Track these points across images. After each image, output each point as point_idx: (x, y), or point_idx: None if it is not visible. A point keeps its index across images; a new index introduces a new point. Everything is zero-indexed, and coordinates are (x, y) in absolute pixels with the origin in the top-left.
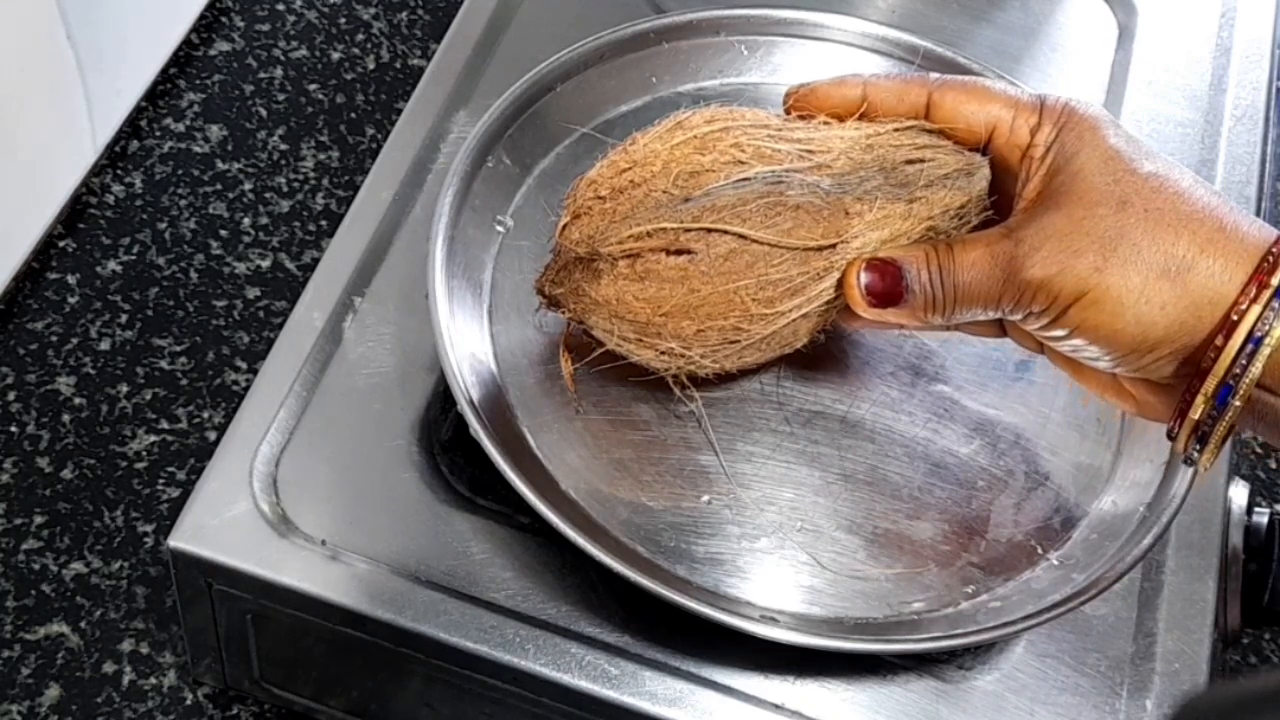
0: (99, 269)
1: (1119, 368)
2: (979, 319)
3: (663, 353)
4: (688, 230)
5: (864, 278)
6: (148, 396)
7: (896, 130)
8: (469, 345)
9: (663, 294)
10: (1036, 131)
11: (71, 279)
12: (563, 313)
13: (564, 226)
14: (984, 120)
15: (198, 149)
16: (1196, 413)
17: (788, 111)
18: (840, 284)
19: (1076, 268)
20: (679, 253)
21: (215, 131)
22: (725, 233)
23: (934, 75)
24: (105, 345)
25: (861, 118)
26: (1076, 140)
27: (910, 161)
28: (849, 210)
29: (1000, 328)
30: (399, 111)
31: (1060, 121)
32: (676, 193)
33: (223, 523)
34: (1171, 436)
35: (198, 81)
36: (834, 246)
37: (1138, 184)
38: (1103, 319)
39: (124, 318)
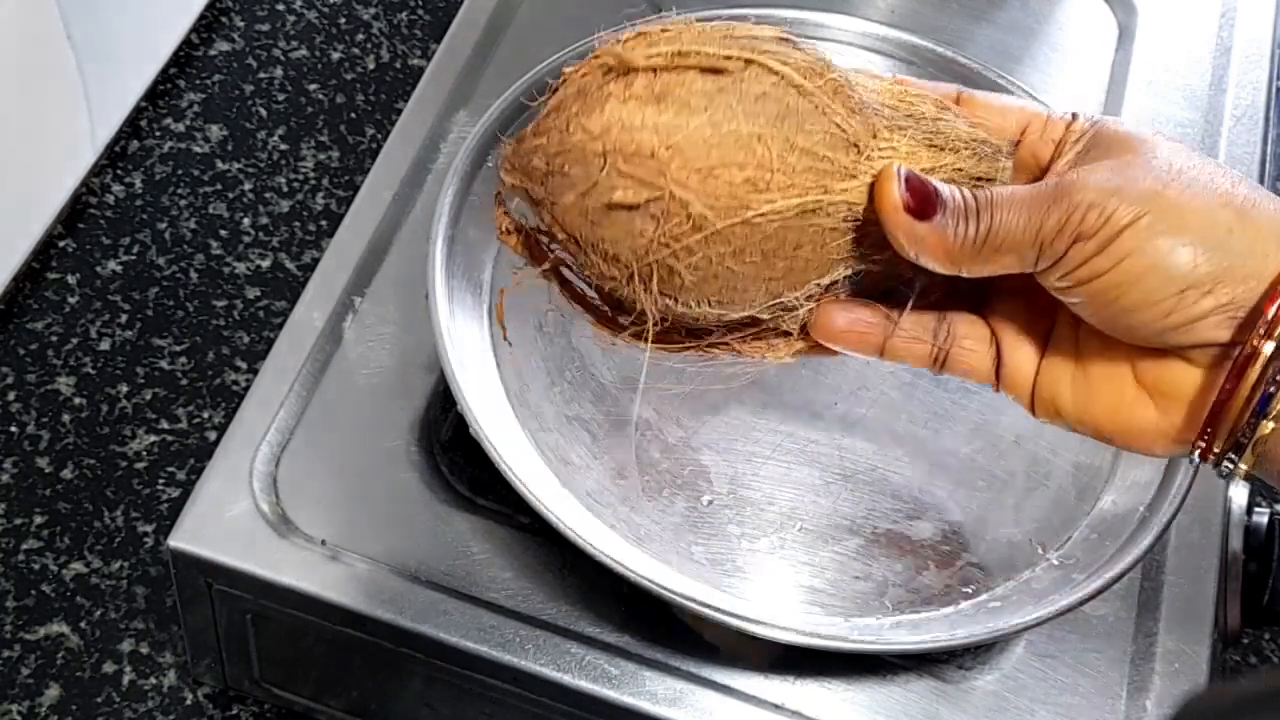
0: (99, 269)
1: (1162, 322)
2: (1011, 262)
3: (653, 215)
4: (728, 57)
5: (902, 176)
6: (148, 396)
7: (926, 95)
8: (469, 345)
9: (678, 121)
10: (1070, 127)
11: (71, 279)
12: (520, 184)
13: (578, 64)
14: (1016, 117)
15: (198, 149)
16: (1247, 387)
17: None
18: (870, 191)
19: (1135, 187)
20: (711, 72)
21: (215, 131)
22: (767, 69)
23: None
24: (105, 345)
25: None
26: (1114, 128)
27: (939, 119)
28: (878, 132)
29: (996, 356)
30: (399, 111)
31: (1095, 124)
32: (716, 33)
33: (223, 523)
34: (1204, 437)
35: (198, 81)
36: (860, 151)
37: (1182, 150)
38: (1160, 244)
39: (124, 318)
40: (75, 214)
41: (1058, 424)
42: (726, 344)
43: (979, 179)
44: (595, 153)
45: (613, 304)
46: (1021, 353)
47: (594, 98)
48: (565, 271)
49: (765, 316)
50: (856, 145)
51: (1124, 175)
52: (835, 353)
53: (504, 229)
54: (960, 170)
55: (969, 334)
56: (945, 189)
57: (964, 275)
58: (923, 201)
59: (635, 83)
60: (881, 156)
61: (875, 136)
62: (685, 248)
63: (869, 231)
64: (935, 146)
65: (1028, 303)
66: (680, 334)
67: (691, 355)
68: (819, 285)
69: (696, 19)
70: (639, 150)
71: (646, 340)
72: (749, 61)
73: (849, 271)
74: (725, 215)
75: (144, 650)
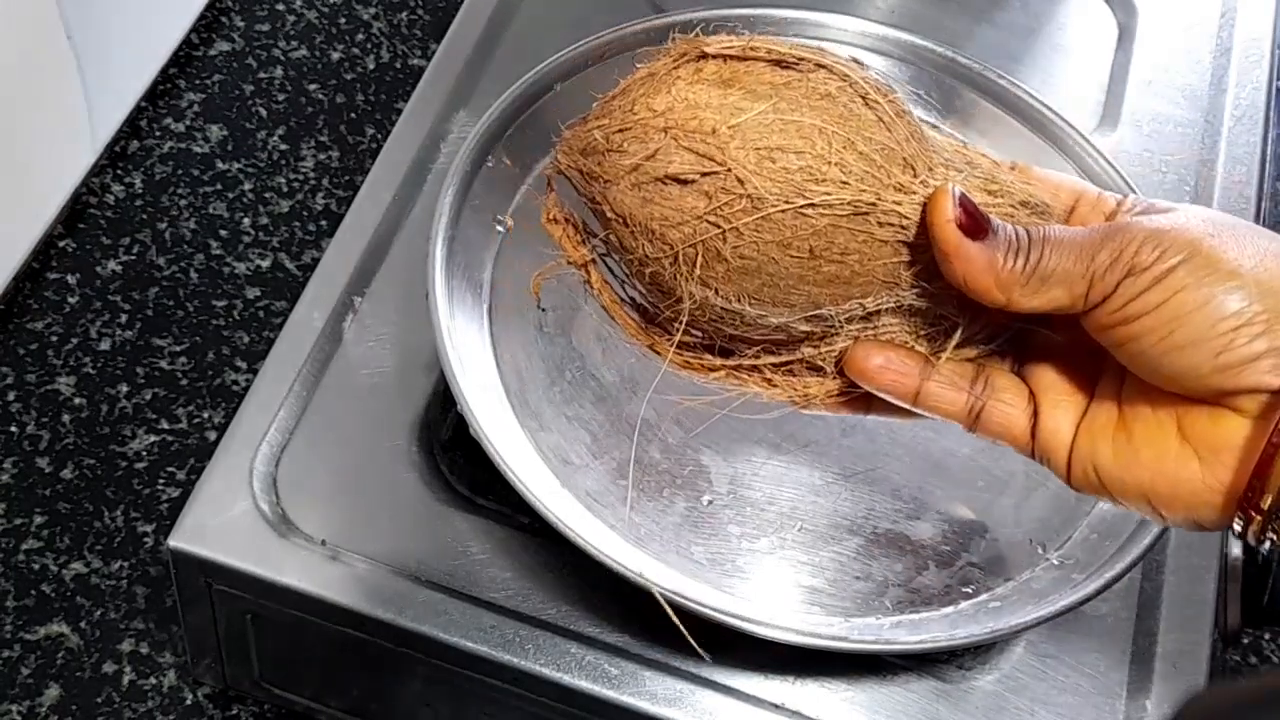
0: (99, 269)
1: (1212, 362)
2: (1060, 295)
3: (706, 192)
4: (799, 56)
5: (957, 195)
6: (148, 396)
7: (982, 154)
8: (469, 345)
9: (744, 104)
10: (1121, 204)
11: (71, 279)
12: (574, 165)
13: (653, 53)
14: (1070, 188)
15: (198, 149)
16: None
17: None
18: (924, 212)
19: (1190, 227)
20: (781, 65)
21: (215, 131)
22: (834, 74)
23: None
24: (105, 345)
25: None
26: (1164, 205)
27: (996, 170)
28: (934, 167)
29: (1033, 418)
30: (399, 111)
31: (1148, 203)
32: (789, 37)
33: (223, 523)
34: (1250, 490)
35: (198, 81)
36: (915, 174)
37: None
38: (1213, 281)
39: (124, 318)
40: (75, 214)
41: (1095, 492)
42: (759, 370)
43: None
44: (656, 128)
45: (648, 309)
46: (1060, 414)
47: (662, 80)
48: (604, 269)
49: (802, 329)
50: (913, 167)
51: (1175, 222)
52: (865, 408)
53: (550, 216)
54: (1012, 216)
55: (1008, 389)
56: (998, 221)
57: (1010, 309)
58: (975, 221)
59: (705, 68)
60: (936, 183)
61: (932, 170)
62: (734, 230)
63: (919, 258)
64: (990, 192)
65: (1069, 365)
66: (713, 352)
67: (720, 380)
68: (861, 306)
69: (696, 18)
70: (700, 127)
71: (682, 321)
72: (819, 64)
73: (893, 301)
74: (779, 199)
75: (144, 650)
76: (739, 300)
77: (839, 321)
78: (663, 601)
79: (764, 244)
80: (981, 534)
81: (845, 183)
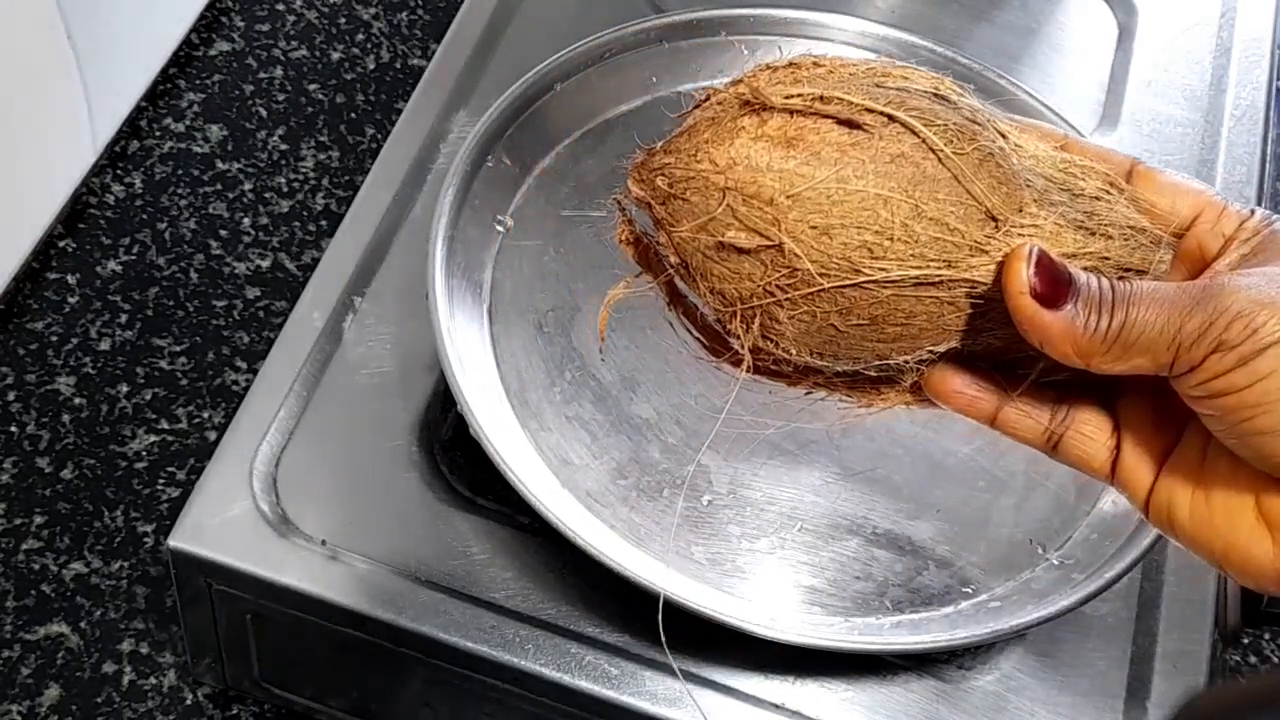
0: (99, 269)
1: None
2: (1143, 363)
3: (762, 262)
4: (871, 110)
5: (1033, 259)
6: (148, 396)
7: (1093, 169)
8: (469, 345)
9: (805, 170)
10: (1243, 224)
11: (71, 279)
12: (644, 197)
13: (724, 85)
14: (1191, 201)
15: (198, 149)
16: None
17: None
18: (998, 270)
19: None
20: (849, 125)
21: (215, 131)
22: (908, 129)
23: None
24: (105, 345)
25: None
26: None
27: (1099, 199)
28: (1024, 206)
29: (1115, 450)
30: (399, 111)
31: (1270, 221)
32: (866, 79)
33: (223, 523)
34: None
35: (198, 81)
36: (998, 226)
37: None
38: None
39: (124, 318)
40: (75, 214)
41: (1171, 537)
42: (833, 386)
43: (1128, 270)
44: (717, 186)
45: (722, 327)
46: (1143, 454)
47: (726, 129)
48: (679, 285)
49: (871, 374)
50: (995, 219)
51: None
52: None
53: (623, 238)
54: (1107, 259)
55: (1090, 420)
56: (1081, 276)
57: (1091, 370)
58: (1053, 286)
59: (770, 122)
60: (1021, 234)
61: (1020, 211)
62: (790, 300)
63: (994, 308)
64: (1085, 229)
65: (1160, 404)
66: (787, 365)
67: (791, 388)
68: (932, 353)
69: (696, 18)
70: (759, 194)
71: (743, 370)
72: (891, 118)
73: (969, 344)
74: (834, 277)
75: (144, 650)
76: (800, 353)
77: (910, 365)
78: (660, 615)
79: (821, 313)
80: (981, 534)
81: (911, 255)
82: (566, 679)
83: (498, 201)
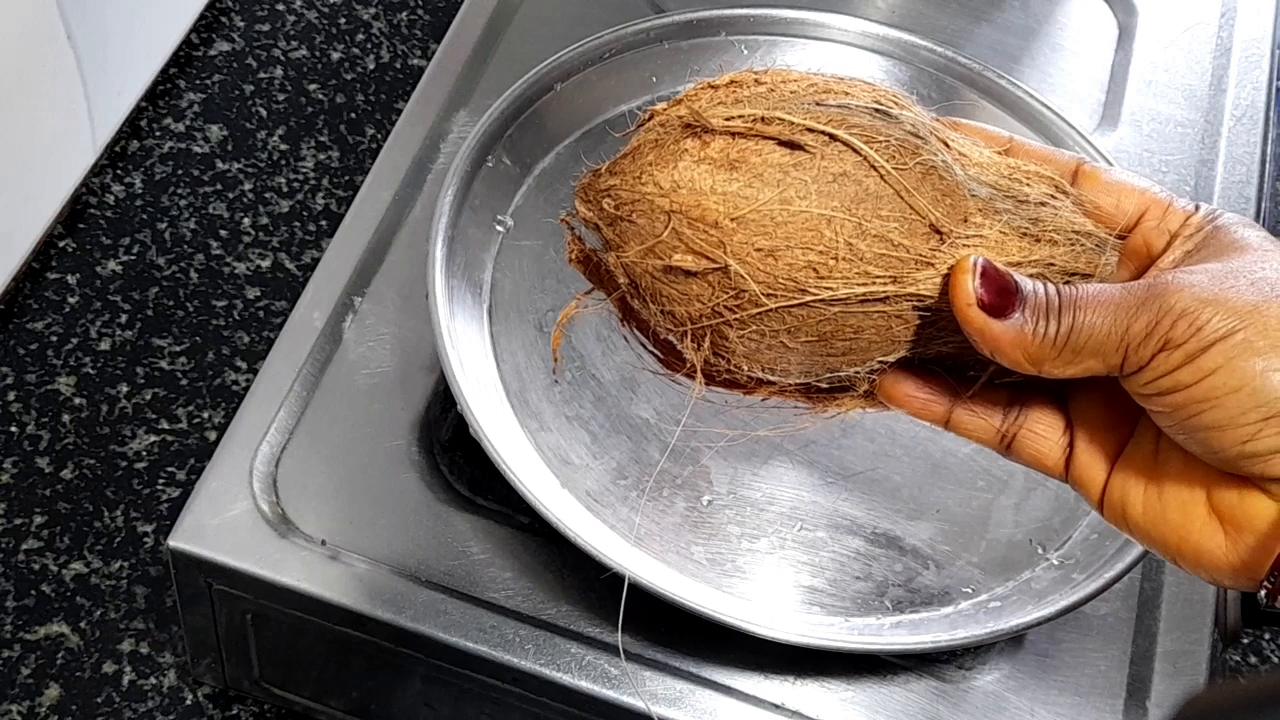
0: (99, 269)
1: (1239, 448)
2: (1094, 365)
3: (709, 283)
4: (812, 130)
5: (978, 270)
6: (148, 396)
7: (1039, 174)
8: (469, 345)
9: (748, 193)
10: (1189, 219)
11: (71, 279)
12: (591, 219)
13: (665, 106)
14: (1136, 200)
15: (198, 149)
16: None
17: None
18: (944, 282)
19: (1233, 299)
20: (791, 146)
21: (215, 131)
22: (850, 148)
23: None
24: (105, 345)
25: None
26: (1231, 228)
27: (1044, 205)
28: (969, 216)
29: (1069, 448)
30: (399, 111)
31: (1214, 217)
32: (808, 96)
33: (223, 523)
34: (1272, 577)
35: (198, 81)
36: (943, 239)
37: None
38: (1250, 365)
39: (124, 318)
40: (75, 214)
41: (1125, 532)
42: (790, 394)
43: (1074, 274)
44: (662, 209)
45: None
46: (1096, 451)
47: (670, 151)
48: (632, 301)
49: (824, 386)
50: (940, 232)
51: (1224, 284)
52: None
53: (574, 256)
54: (1053, 265)
55: (1042, 419)
56: (1028, 283)
57: (1043, 375)
58: (1000, 296)
59: (712, 144)
60: (966, 245)
61: (965, 221)
62: (739, 319)
63: (943, 318)
64: (1030, 236)
65: (1111, 401)
66: (743, 376)
67: (747, 396)
68: (883, 363)
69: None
70: (704, 217)
71: (698, 384)
72: (832, 138)
73: (919, 352)
74: (780, 297)
75: (144, 650)
76: (751, 369)
77: (863, 375)
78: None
79: (770, 331)
80: (981, 534)
81: (856, 273)
82: (566, 679)
83: (498, 201)
